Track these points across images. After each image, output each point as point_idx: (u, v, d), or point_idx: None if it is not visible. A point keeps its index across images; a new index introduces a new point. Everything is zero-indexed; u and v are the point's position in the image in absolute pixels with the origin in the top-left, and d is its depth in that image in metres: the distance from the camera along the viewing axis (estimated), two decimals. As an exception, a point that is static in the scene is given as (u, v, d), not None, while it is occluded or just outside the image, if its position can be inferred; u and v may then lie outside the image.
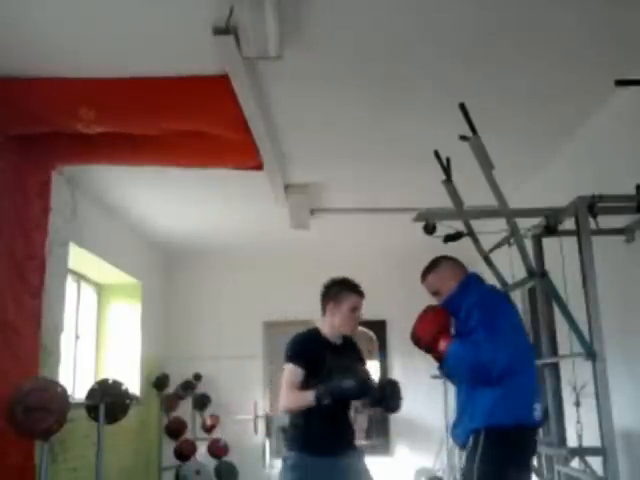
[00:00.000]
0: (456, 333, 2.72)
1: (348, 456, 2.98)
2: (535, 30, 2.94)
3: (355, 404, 3.12)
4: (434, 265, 2.90)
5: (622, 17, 2.84)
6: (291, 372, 2.86)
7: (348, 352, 3.08)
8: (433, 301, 2.95)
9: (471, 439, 2.58)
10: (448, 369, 2.78)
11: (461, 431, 2.68)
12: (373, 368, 7.52)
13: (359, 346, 3.23)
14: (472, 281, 2.82)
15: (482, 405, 2.58)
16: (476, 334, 2.57)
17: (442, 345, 2.68)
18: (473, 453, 2.54)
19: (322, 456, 2.85)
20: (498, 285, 3.57)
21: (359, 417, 7.44)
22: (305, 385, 2.82)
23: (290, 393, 2.83)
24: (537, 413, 2.60)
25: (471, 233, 3.52)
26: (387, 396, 2.94)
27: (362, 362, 3.17)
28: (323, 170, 4.78)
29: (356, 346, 3.19)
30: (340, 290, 3.04)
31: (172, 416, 6.54)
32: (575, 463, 3.19)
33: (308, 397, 2.73)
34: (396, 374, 7.29)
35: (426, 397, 6.85)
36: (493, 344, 2.51)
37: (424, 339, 2.76)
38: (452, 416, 6.40)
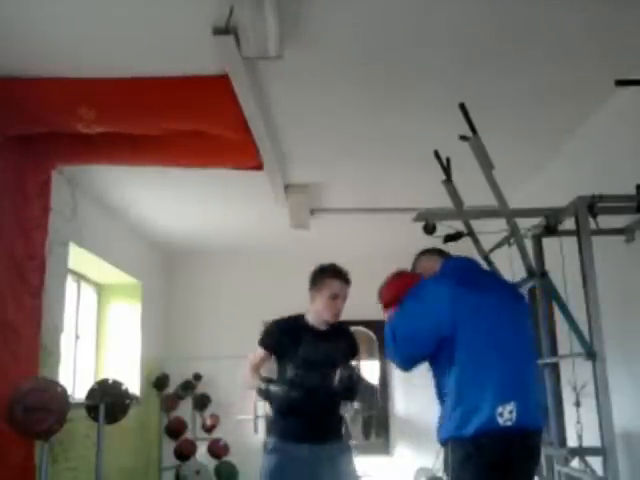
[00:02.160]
0: None
1: (329, 446, 2.90)
2: (535, 30, 2.94)
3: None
4: (412, 265, 2.77)
5: (622, 17, 2.84)
6: (255, 352, 3.03)
7: (333, 340, 3.02)
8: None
9: (444, 448, 2.32)
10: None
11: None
12: (372, 368, 7.54)
13: (355, 339, 3.20)
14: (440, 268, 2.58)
15: (444, 409, 2.33)
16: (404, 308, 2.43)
17: (385, 316, 2.56)
18: (446, 467, 2.28)
19: (300, 442, 2.84)
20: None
21: (358, 418, 7.44)
22: (279, 365, 2.96)
23: (246, 371, 2.99)
24: (507, 416, 2.15)
25: (471, 233, 3.52)
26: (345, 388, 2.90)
27: (352, 354, 3.12)
28: (323, 170, 4.78)
29: (349, 337, 3.15)
30: (322, 276, 3.03)
31: (172, 416, 6.54)
32: (575, 463, 3.18)
33: (253, 383, 2.92)
34: (396, 374, 7.29)
35: (426, 397, 6.83)
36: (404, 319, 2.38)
37: (380, 302, 2.64)
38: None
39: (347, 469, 2.93)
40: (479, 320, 2.28)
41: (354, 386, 2.88)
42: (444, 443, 2.28)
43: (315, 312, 3.02)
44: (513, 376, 2.25)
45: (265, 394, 2.88)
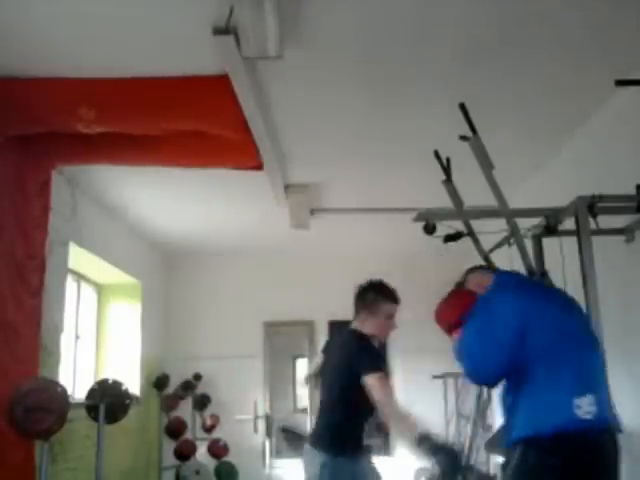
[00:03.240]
0: None
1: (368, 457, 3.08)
2: (535, 30, 2.94)
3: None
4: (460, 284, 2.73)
5: (622, 17, 2.84)
6: (387, 381, 2.80)
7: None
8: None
9: (508, 452, 2.24)
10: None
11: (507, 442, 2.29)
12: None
13: None
14: (493, 284, 2.53)
15: (518, 412, 2.23)
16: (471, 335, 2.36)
17: (453, 340, 2.46)
18: (505, 469, 2.20)
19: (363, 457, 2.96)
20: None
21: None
22: (358, 386, 2.74)
23: (401, 412, 2.69)
24: (586, 409, 2.06)
25: (471, 233, 3.52)
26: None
27: None
28: (323, 170, 4.78)
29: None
30: (377, 299, 3.03)
31: (172, 416, 6.54)
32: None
33: (412, 430, 2.60)
34: (396, 374, 7.29)
35: (426, 397, 6.84)
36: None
37: (441, 325, 2.57)
38: (452, 416, 6.40)
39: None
40: (546, 322, 2.26)
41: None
42: (514, 444, 2.18)
43: (369, 331, 3.00)
44: (587, 371, 2.20)
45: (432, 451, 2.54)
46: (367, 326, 2.99)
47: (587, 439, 2.06)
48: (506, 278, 2.56)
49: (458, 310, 2.48)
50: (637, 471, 3.25)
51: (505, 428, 2.32)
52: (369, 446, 2.98)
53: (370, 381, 2.71)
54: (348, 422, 2.88)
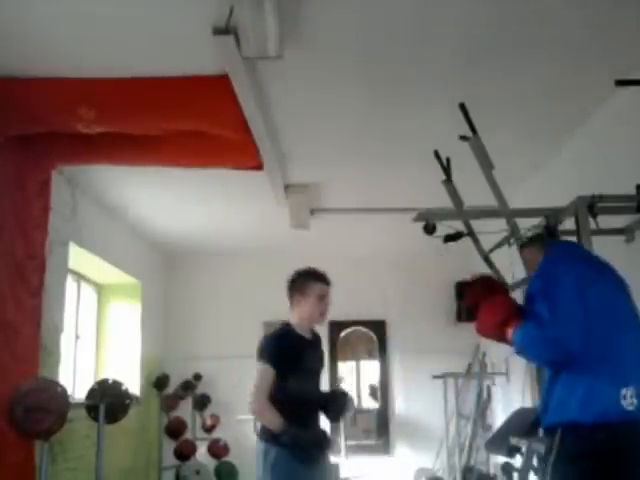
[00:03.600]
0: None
1: (326, 459, 2.99)
2: (535, 30, 2.94)
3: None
4: (531, 241, 2.65)
5: (622, 17, 2.84)
6: (264, 374, 2.78)
7: (316, 347, 3.07)
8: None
9: (547, 438, 2.19)
10: (526, 357, 2.45)
11: (543, 423, 2.25)
12: (373, 368, 7.54)
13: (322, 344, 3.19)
14: (554, 252, 2.44)
15: (558, 394, 2.15)
16: (535, 305, 2.24)
17: (509, 335, 2.31)
18: (547, 456, 2.14)
19: (309, 457, 2.80)
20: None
21: (358, 418, 7.44)
22: (283, 382, 2.77)
23: (264, 404, 2.74)
24: (629, 400, 2.02)
25: (471, 233, 3.52)
26: (333, 408, 3.00)
27: (323, 360, 3.14)
28: (323, 170, 4.78)
29: (321, 343, 3.15)
30: (305, 280, 3.01)
31: (172, 416, 6.54)
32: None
33: (275, 424, 2.71)
34: (396, 374, 7.30)
35: (426, 397, 6.86)
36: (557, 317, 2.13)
37: (489, 335, 2.46)
38: (452, 416, 6.40)
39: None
40: (604, 300, 2.18)
41: (342, 405, 3.02)
42: (552, 428, 2.12)
43: (302, 317, 2.98)
44: (633, 359, 2.13)
45: (298, 441, 2.71)
46: (299, 311, 2.97)
47: (628, 429, 2.03)
48: (564, 249, 2.51)
49: (502, 310, 2.38)
50: (637, 471, 3.25)
51: (542, 409, 2.23)
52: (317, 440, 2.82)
53: (255, 370, 2.82)
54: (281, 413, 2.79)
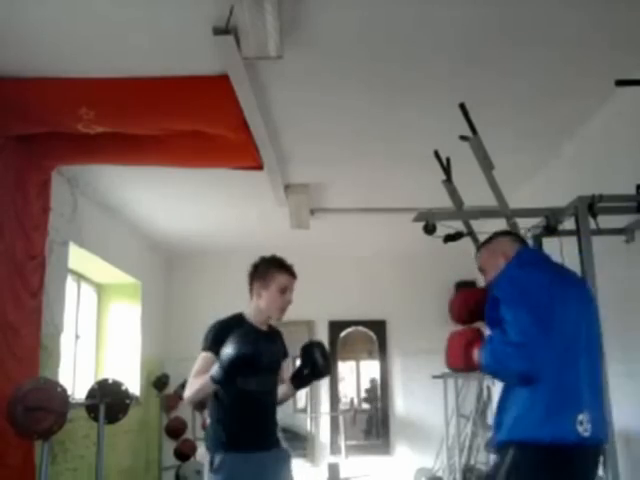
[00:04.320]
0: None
1: (274, 453, 2.65)
2: (535, 30, 2.94)
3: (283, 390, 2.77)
4: (488, 240, 2.50)
5: (622, 17, 2.84)
6: (202, 360, 2.55)
7: (272, 341, 2.75)
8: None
9: (498, 455, 2.11)
10: (496, 376, 2.35)
11: (495, 439, 2.17)
12: (371, 368, 7.54)
13: (284, 340, 2.88)
14: (519, 259, 2.32)
15: (515, 411, 2.07)
16: (502, 312, 2.13)
17: (475, 356, 2.23)
18: (496, 472, 2.05)
19: (249, 452, 2.53)
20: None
21: (357, 417, 7.45)
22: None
23: (192, 380, 2.52)
24: (585, 426, 1.97)
25: (471, 233, 3.52)
26: (315, 360, 2.69)
27: (285, 355, 2.86)
28: (323, 170, 4.78)
29: (281, 338, 2.85)
30: (268, 269, 2.72)
31: (172, 416, 6.54)
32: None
33: (204, 380, 2.42)
34: (396, 374, 7.30)
35: (426, 397, 6.86)
36: (519, 340, 2.02)
37: (458, 364, 2.39)
38: (452, 416, 6.41)
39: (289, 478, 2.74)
40: (564, 322, 2.07)
41: (323, 353, 2.74)
42: (504, 445, 2.05)
43: (259, 309, 2.70)
44: (591, 383, 2.08)
45: (226, 359, 2.35)
46: (257, 302, 2.69)
47: (583, 455, 2.01)
48: (532, 254, 2.44)
49: (468, 334, 2.33)
50: (637, 471, 3.26)
51: (495, 424, 2.16)
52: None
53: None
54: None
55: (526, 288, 2.15)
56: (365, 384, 7.74)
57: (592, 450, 2.05)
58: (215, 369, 2.39)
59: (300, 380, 2.77)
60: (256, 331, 2.64)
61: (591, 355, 2.15)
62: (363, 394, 7.71)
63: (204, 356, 2.57)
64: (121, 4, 2.70)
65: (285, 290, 2.72)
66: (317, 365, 2.72)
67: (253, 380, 2.55)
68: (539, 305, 2.07)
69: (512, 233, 2.52)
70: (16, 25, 2.83)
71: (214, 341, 2.55)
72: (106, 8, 2.72)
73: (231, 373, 2.36)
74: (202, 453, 2.74)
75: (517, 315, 2.07)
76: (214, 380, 2.39)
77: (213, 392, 2.53)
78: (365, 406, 7.65)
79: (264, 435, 2.64)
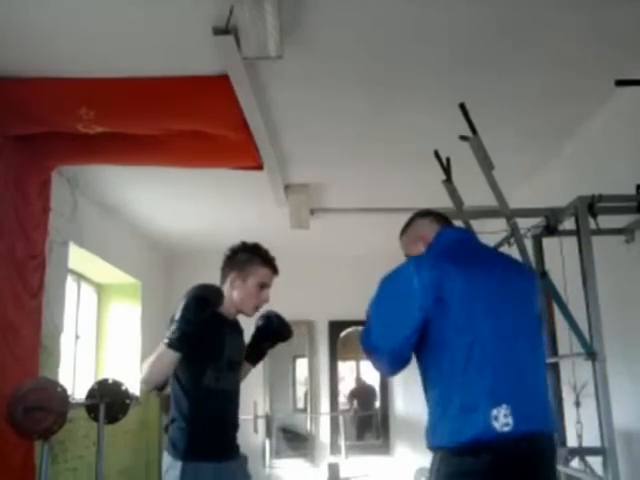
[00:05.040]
0: None
1: (239, 462, 2.48)
2: (535, 30, 2.94)
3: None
4: (408, 223, 2.31)
5: (622, 17, 2.84)
6: (158, 354, 2.23)
7: (239, 335, 2.56)
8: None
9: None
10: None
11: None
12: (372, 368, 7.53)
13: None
14: (436, 245, 2.12)
15: (430, 416, 1.95)
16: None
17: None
18: (430, 477, 1.93)
19: (213, 461, 2.30)
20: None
21: (346, 418, 7.42)
22: (190, 368, 2.30)
23: (149, 358, 2.24)
24: (502, 420, 1.80)
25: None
26: (274, 323, 2.57)
27: (242, 354, 2.63)
28: (323, 170, 4.78)
29: (242, 334, 2.60)
30: (250, 260, 2.48)
31: (172, 416, 6.53)
32: (575, 463, 3.19)
33: (158, 349, 2.17)
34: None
35: (426, 397, 6.85)
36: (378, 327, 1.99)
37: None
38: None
39: None
40: (469, 306, 1.89)
41: (280, 318, 2.64)
42: (433, 449, 1.94)
43: (231, 300, 2.44)
44: (510, 374, 1.88)
45: (181, 314, 2.15)
46: (230, 293, 2.45)
47: (505, 451, 1.82)
48: (445, 238, 2.13)
49: None
50: (637, 471, 3.26)
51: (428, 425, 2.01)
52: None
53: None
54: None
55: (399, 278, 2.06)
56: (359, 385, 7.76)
57: (523, 444, 1.83)
58: (169, 330, 2.14)
59: (258, 348, 2.60)
60: (224, 321, 2.41)
61: (518, 343, 1.93)
62: (347, 394, 7.69)
63: (162, 345, 2.23)
64: (121, 4, 2.70)
65: (264, 286, 2.49)
66: (272, 324, 2.59)
67: (218, 376, 2.36)
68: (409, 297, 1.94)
69: (432, 213, 2.26)
70: (16, 25, 2.83)
71: (179, 325, 2.22)
72: (106, 8, 2.72)
73: (189, 322, 2.12)
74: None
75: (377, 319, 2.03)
76: (170, 343, 2.12)
77: (175, 376, 2.28)
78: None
79: (230, 440, 2.43)
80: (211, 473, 2.28)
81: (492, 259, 2.15)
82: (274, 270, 2.54)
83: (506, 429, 1.80)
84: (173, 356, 2.18)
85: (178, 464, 2.29)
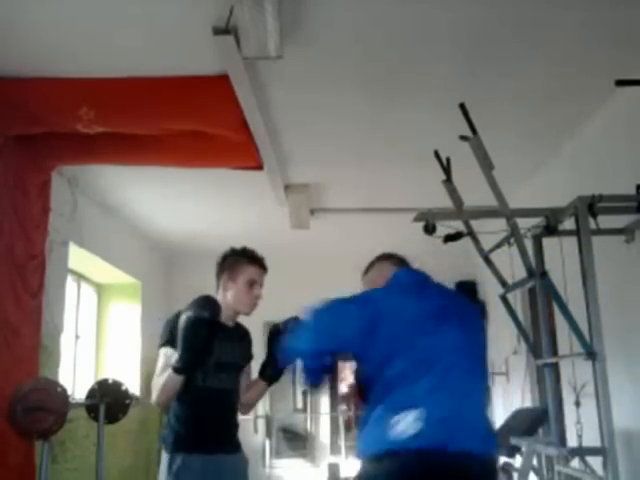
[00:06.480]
0: None
1: (231, 457, 2.49)
2: (535, 30, 2.94)
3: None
4: (369, 266, 2.47)
5: (622, 17, 2.84)
6: (162, 357, 2.39)
7: (238, 339, 2.60)
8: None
9: None
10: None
11: None
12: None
13: (252, 340, 2.73)
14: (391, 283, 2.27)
15: (361, 424, 1.99)
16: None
17: None
18: None
19: (205, 453, 2.35)
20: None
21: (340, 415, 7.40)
22: (190, 377, 2.32)
23: (155, 380, 2.34)
24: (402, 426, 1.76)
25: (471, 233, 3.52)
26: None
27: (250, 358, 2.71)
28: (323, 170, 4.78)
29: (249, 337, 2.70)
30: (236, 261, 2.60)
31: (172, 416, 6.53)
32: (575, 463, 3.19)
33: (167, 374, 2.27)
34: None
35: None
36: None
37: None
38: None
39: None
40: (403, 329, 1.96)
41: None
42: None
43: (226, 303, 2.53)
44: (436, 395, 1.85)
45: (182, 341, 2.25)
46: (224, 295, 2.57)
47: (407, 459, 1.76)
48: (396, 277, 2.28)
49: None
50: (637, 471, 3.26)
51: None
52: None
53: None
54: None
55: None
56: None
57: (434, 457, 1.75)
58: (174, 357, 2.26)
59: (272, 371, 2.60)
60: (220, 327, 2.43)
61: (454, 367, 1.91)
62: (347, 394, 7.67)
63: (163, 352, 2.41)
64: (121, 4, 2.70)
65: (254, 284, 2.59)
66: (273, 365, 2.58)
67: (214, 376, 2.41)
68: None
69: (393, 256, 2.44)
70: (17, 25, 2.83)
71: (170, 333, 2.41)
72: (106, 8, 2.72)
73: (192, 348, 2.22)
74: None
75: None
76: (176, 370, 2.24)
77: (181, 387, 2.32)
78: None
79: (224, 435, 2.47)
80: (198, 463, 2.34)
81: (440, 294, 2.27)
82: (262, 267, 2.65)
83: (411, 431, 1.75)
84: (181, 378, 2.29)
85: (166, 456, 2.38)
